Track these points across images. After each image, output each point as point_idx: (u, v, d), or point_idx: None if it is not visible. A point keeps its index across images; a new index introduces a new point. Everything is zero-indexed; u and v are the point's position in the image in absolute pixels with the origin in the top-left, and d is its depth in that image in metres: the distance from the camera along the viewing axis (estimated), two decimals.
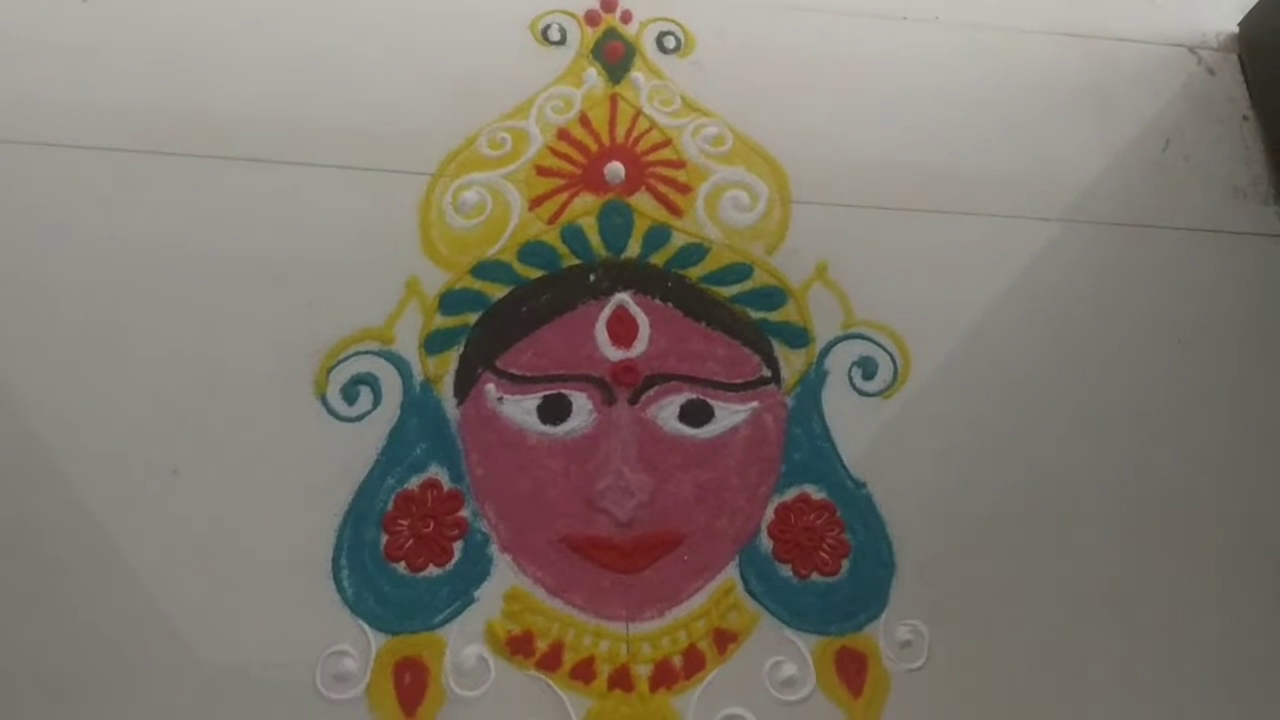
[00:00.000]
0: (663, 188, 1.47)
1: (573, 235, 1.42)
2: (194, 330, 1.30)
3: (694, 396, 1.35)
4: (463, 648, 1.19)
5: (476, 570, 1.23)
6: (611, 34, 1.59)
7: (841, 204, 1.51)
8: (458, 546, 1.24)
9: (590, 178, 1.47)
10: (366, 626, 1.19)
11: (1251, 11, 1.75)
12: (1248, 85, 1.72)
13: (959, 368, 1.43)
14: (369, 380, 1.30)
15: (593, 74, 1.55)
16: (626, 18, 1.61)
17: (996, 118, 1.62)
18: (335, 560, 1.21)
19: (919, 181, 1.54)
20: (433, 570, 1.23)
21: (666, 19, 1.61)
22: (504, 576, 1.24)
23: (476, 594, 1.22)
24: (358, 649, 1.18)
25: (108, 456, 1.22)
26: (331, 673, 1.16)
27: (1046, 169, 1.59)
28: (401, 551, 1.23)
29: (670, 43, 1.60)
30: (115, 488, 1.21)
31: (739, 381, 1.37)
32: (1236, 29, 1.78)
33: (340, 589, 1.20)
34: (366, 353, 1.32)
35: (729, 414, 1.35)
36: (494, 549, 1.25)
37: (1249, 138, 1.67)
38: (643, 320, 1.38)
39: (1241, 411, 1.46)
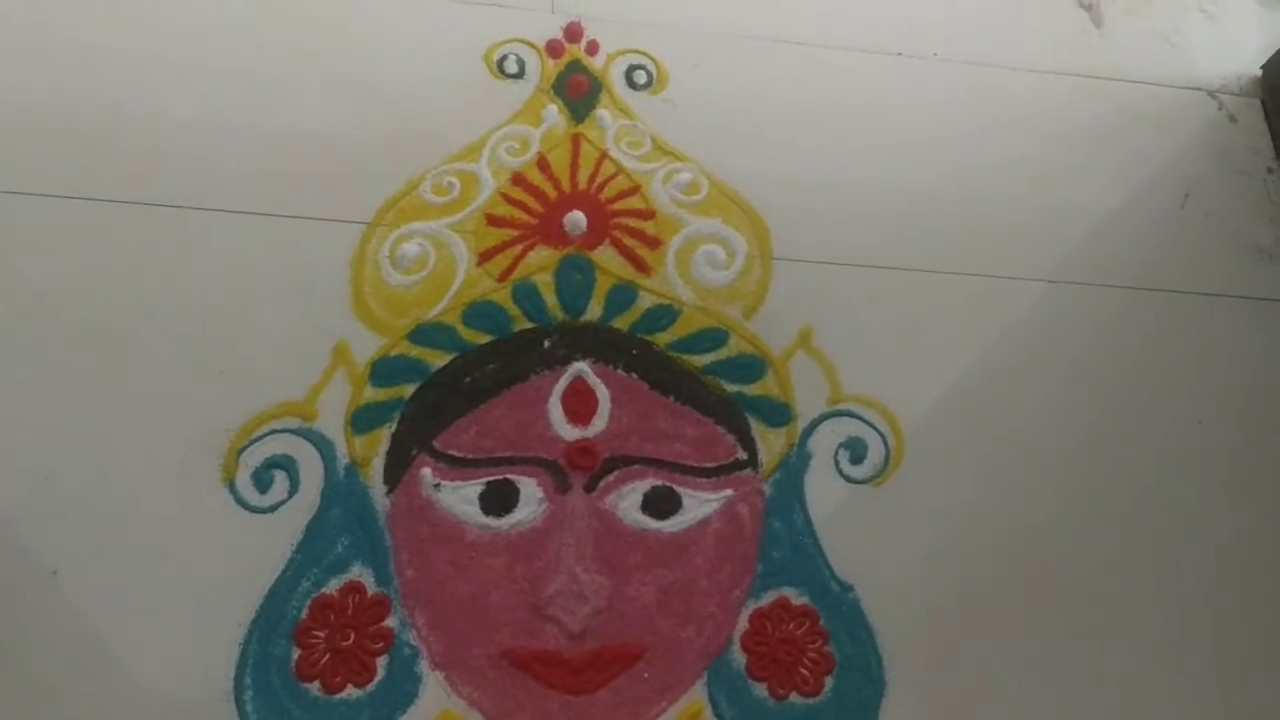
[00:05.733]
0: (629, 241, 1.32)
1: (526, 294, 1.27)
2: (82, 400, 1.14)
3: (659, 483, 1.20)
4: None
5: (402, 691, 1.07)
6: (575, 67, 1.43)
7: (828, 261, 1.36)
8: (381, 663, 1.08)
9: (548, 229, 1.31)
10: None
11: (1276, 54, 1.62)
12: (1272, 134, 1.58)
13: (958, 450, 1.28)
14: (285, 464, 1.14)
15: (553, 111, 1.39)
16: (593, 49, 1.45)
17: (999, 167, 1.47)
18: (238, 679, 1.05)
19: (915, 237, 1.40)
20: (351, 692, 1.07)
21: (637, 51, 1.46)
22: (434, 699, 1.07)
23: None
24: None
25: None
26: None
27: (1054, 225, 1.45)
28: (316, 669, 1.06)
29: (641, 78, 1.44)
30: None
31: (711, 465, 1.22)
32: (1259, 72, 1.64)
33: (243, 714, 1.04)
34: (284, 431, 1.16)
35: (699, 504, 1.20)
36: (423, 666, 1.09)
37: (1274, 192, 1.53)
38: (603, 393, 1.23)
39: (1272, 502, 1.31)
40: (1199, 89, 1.61)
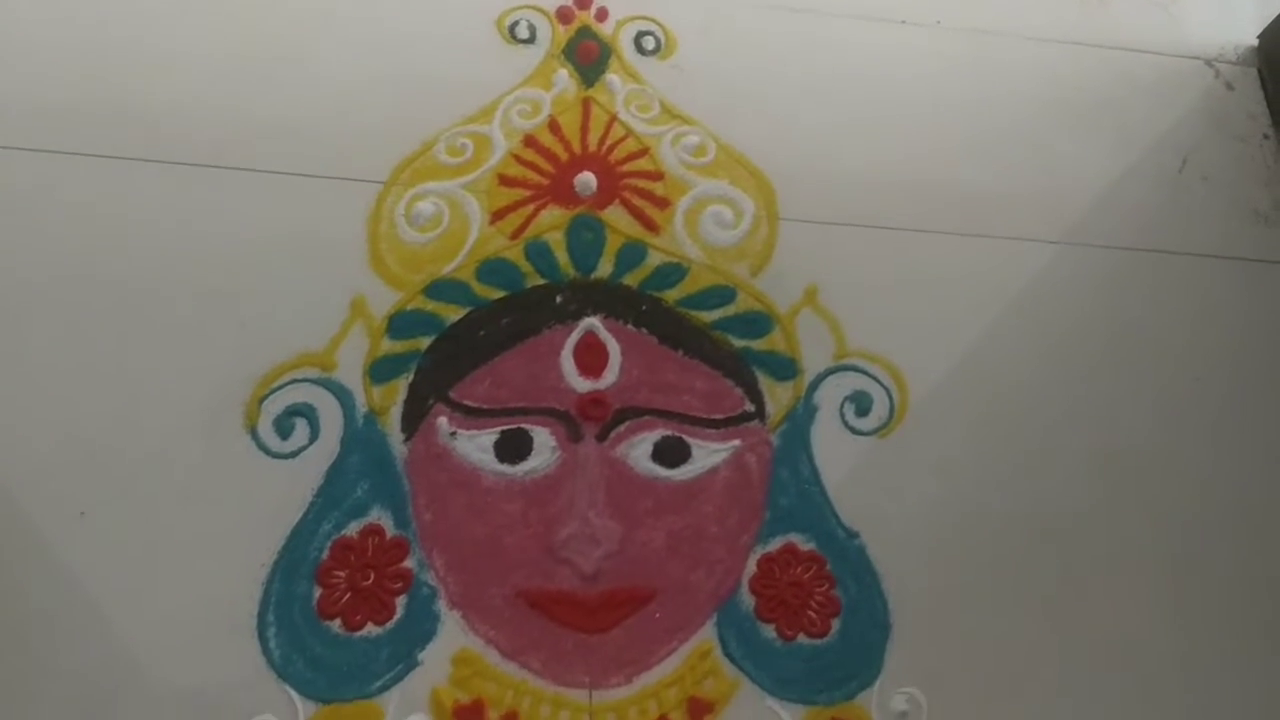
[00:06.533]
0: (638, 201, 1.34)
1: (538, 252, 1.29)
2: (107, 351, 1.16)
3: (669, 433, 1.22)
4: (403, 718, 1.06)
5: (421, 629, 1.10)
6: (585, 33, 1.46)
7: (833, 222, 1.38)
8: (400, 602, 1.11)
9: (559, 189, 1.34)
10: (294, 693, 1.05)
11: (1272, 24, 1.64)
12: (1268, 102, 1.61)
13: (960, 404, 1.31)
14: (306, 411, 1.17)
15: (564, 76, 1.42)
16: (602, 15, 1.48)
17: (1001, 131, 1.50)
18: (261, 616, 1.08)
19: (918, 199, 1.42)
20: (371, 629, 1.09)
21: (645, 18, 1.48)
22: (452, 636, 1.10)
23: (421, 656, 1.09)
24: (284, 719, 1.03)
25: (4, 495, 1.08)
26: None
27: (1054, 187, 1.47)
28: (337, 607, 1.09)
29: (649, 43, 1.47)
30: (12, 531, 1.07)
31: (719, 417, 1.24)
32: (1256, 42, 1.66)
33: (266, 650, 1.07)
34: (304, 380, 1.18)
35: (707, 453, 1.22)
36: (441, 605, 1.11)
37: (1270, 158, 1.56)
38: (613, 347, 1.25)
39: (1265, 454, 1.34)
40: (1196, 58, 1.64)
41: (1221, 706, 1.20)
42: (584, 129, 1.39)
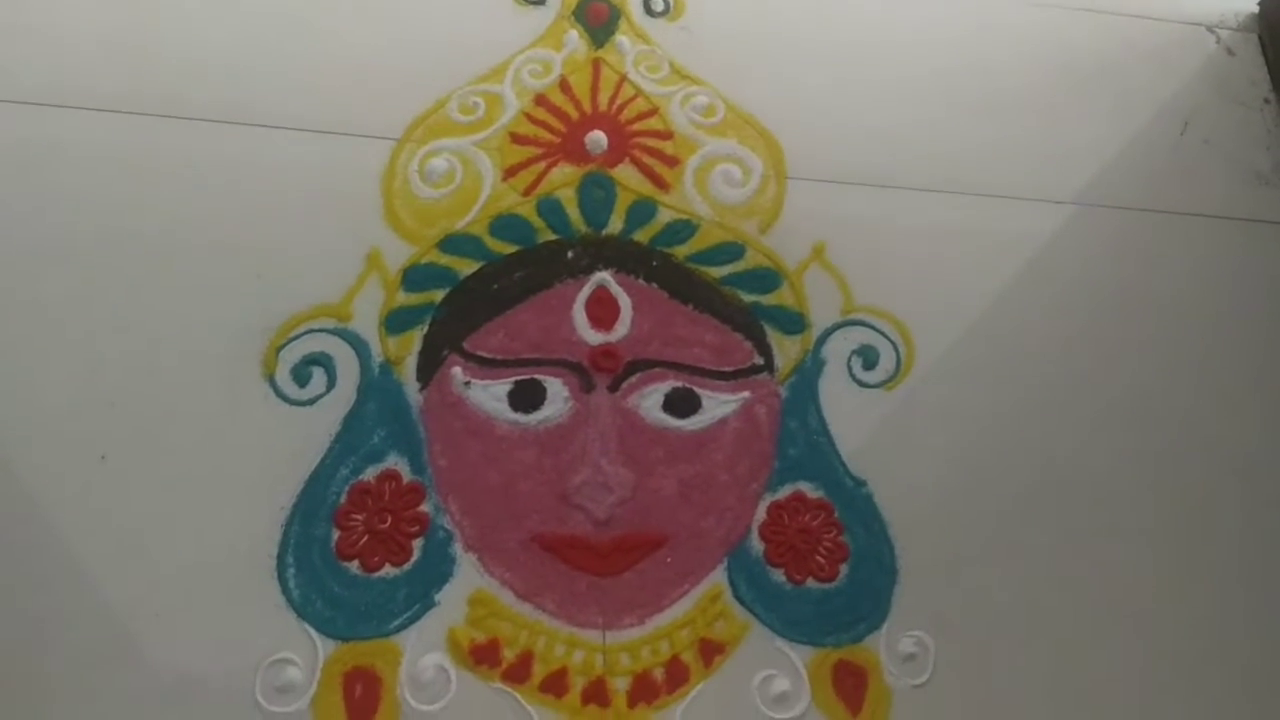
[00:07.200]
0: (648, 160, 1.36)
1: (550, 208, 1.31)
2: (128, 302, 1.18)
3: (679, 385, 1.24)
4: (420, 656, 1.08)
5: (438, 571, 1.12)
6: None
7: (841, 181, 1.40)
8: (417, 544, 1.12)
9: (570, 147, 1.35)
10: (314, 632, 1.07)
11: None
12: (1269, 67, 1.63)
13: (966, 359, 1.32)
14: (323, 361, 1.18)
15: (574, 36, 1.44)
16: None
17: (1006, 93, 1.52)
18: (280, 558, 1.09)
19: (923, 158, 1.44)
20: (389, 570, 1.11)
21: None
22: (468, 578, 1.12)
23: (437, 597, 1.10)
24: (303, 657, 1.06)
25: (27, 439, 1.10)
26: (273, 683, 1.04)
27: (1059, 149, 1.49)
28: (355, 549, 1.11)
29: (658, 5, 1.49)
30: (35, 475, 1.09)
31: (729, 369, 1.26)
32: (1257, 8, 1.68)
33: (285, 590, 1.08)
34: (321, 330, 1.20)
35: (717, 404, 1.24)
36: (457, 548, 1.13)
37: (1271, 122, 1.58)
38: (625, 301, 1.27)
39: (1265, 408, 1.36)
40: (1198, 24, 1.66)
41: (1223, 648, 1.22)
42: (594, 89, 1.40)
